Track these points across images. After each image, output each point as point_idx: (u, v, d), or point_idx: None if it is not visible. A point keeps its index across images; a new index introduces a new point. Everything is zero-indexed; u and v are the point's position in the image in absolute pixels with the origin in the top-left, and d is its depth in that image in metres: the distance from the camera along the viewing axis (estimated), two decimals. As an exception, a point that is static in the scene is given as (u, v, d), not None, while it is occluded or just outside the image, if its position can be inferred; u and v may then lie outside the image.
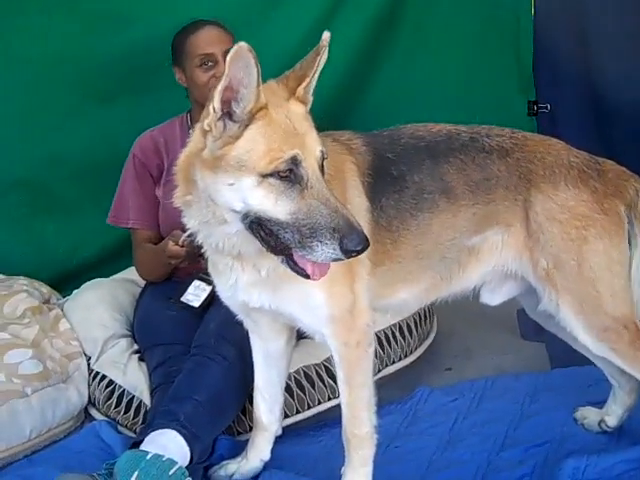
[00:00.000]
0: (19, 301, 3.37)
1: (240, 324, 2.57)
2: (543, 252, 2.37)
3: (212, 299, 2.96)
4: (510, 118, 3.65)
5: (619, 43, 3.66)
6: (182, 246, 2.85)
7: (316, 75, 2.10)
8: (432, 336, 3.52)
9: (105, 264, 3.91)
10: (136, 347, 3.22)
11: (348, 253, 1.93)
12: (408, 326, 3.31)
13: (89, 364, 3.19)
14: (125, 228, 3.31)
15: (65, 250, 3.96)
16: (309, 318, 2.30)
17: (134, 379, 3.05)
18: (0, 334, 3.07)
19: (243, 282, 2.26)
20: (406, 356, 3.30)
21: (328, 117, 3.65)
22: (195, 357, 2.79)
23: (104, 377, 3.10)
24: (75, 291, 3.60)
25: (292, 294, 2.24)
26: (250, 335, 2.57)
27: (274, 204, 1.97)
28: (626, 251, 2.39)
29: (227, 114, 2.00)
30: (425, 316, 3.45)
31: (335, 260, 1.96)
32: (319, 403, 3.00)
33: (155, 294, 3.26)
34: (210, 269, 2.40)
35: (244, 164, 1.97)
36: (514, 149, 2.41)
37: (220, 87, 1.97)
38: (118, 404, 3.01)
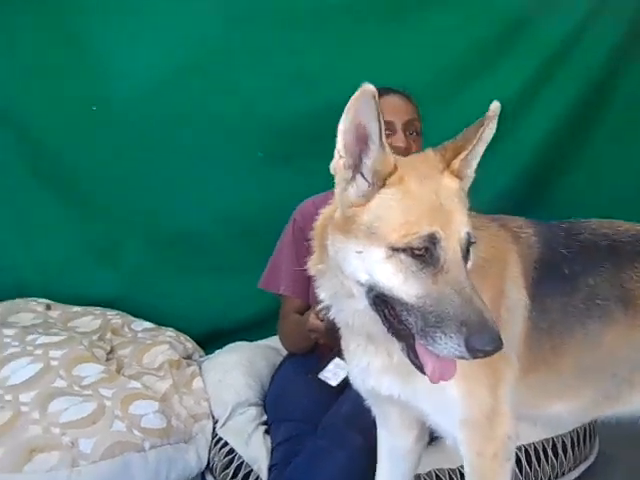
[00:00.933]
0: (160, 353, 3.31)
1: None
2: None
3: None
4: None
5: None
6: (322, 320, 2.66)
7: (479, 149, 1.88)
8: (591, 459, 3.09)
9: (255, 328, 3.80)
10: (265, 418, 3.05)
11: (474, 352, 1.67)
12: (563, 444, 2.92)
13: (214, 428, 3.03)
14: (275, 294, 3.17)
15: (219, 308, 3.89)
16: (440, 417, 2.04)
17: (256, 452, 2.87)
18: (132, 383, 2.99)
19: (374, 367, 2.04)
20: (556, 477, 2.89)
21: (511, 201, 3.65)
22: (319, 440, 2.58)
23: (226, 444, 2.94)
24: (218, 351, 3.50)
25: (424, 387, 1.96)
26: (377, 426, 2.31)
27: (402, 283, 1.74)
28: None
29: (358, 168, 1.82)
30: (585, 434, 3.03)
31: (459, 358, 1.70)
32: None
33: (294, 366, 3.10)
34: (343, 348, 2.18)
35: (375, 232, 1.77)
36: None
37: (342, 126, 1.80)
38: (235, 475, 2.84)
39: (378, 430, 2.31)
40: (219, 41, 3.71)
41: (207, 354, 3.63)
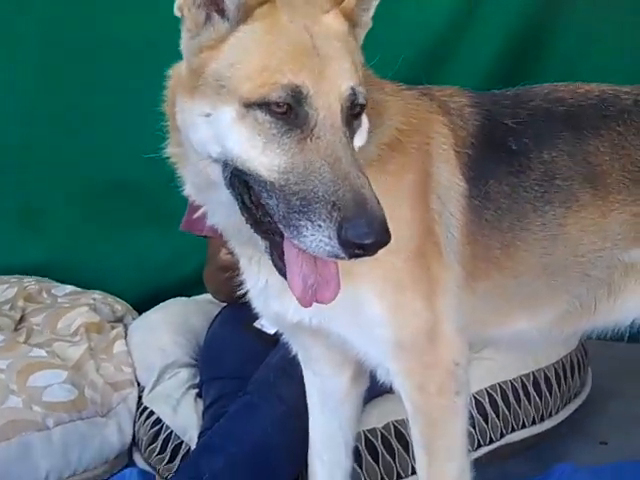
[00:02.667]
0: (76, 316, 2.87)
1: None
2: None
3: None
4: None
5: None
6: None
7: None
8: (583, 396, 2.64)
9: (199, 285, 3.35)
10: (198, 380, 2.60)
11: (349, 246, 1.23)
12: (546, 378, 2.47)
13: (140, 397, 2.58)
14: (199, 237, 2.72)
15: (158, 265, 3.51)
16: (365, 343, 1.59)
17: (185, 420, 2.45)
18: (35, 351, 2.56)
19: (273, 284, 1.58)
20: (542, 420, 2.47)
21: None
22: (247, 396, 2.15)
23: (152, 414, 2.50)
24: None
25: (339, 301, 1.47)
26: (302, 368, 1.86)
27: (259, 151, 1.31)
28: None
29: (213, 3, 1.35)
30: (573, 366, 2.58)
31: (332, 256, 1.25)
32: (413, 473, 2.21)
33: (226, 318, 2.67)
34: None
35: (225, 84, 1.32)
36: None
37: None
38: (162, 450, 2.40)
39: (304, 373, 1.86)
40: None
41: (142, 315, 3.18)
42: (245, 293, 1.96)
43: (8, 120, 3.45)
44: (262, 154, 1.30)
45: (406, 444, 2.22)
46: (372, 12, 1.47)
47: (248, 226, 1.40)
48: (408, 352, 1.55)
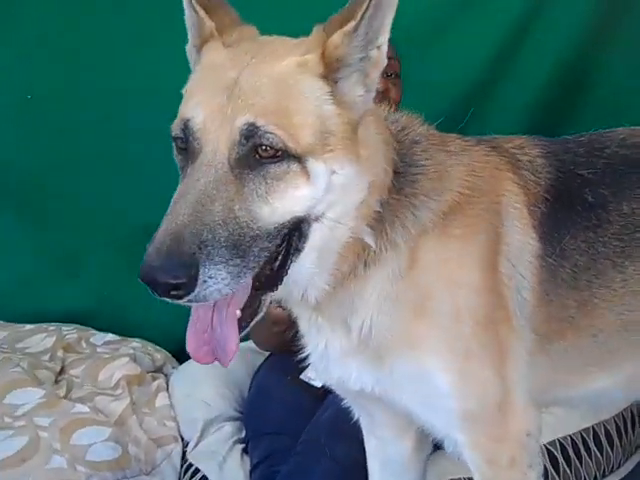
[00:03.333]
0: (117, 368, 2.81)
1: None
2: None
3: None
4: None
5: None
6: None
7: (377, 22, 1.31)
8: (645, 448, 2.54)
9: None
10: (244, 434, 2.53)
11: (144, 282, 1.23)
12: (607, 432, 2.36)
13: (184, 452, 2.52)
14: None
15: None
16: (431, 414, 1.53)
17: (232, 478, 2.38)
18: (78, 407, 2.50)
19: (334, 349, 1.52)
20: (604, 475, 2.34)
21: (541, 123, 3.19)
22: (298, 457, 2.08)
23: (197, 471, 2.42)
24: (190, 360, 2.98)
25: (404, 370, 1.45)
26: (364, 432, 1.79)
27: None
28: None
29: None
30: (634, 418, 2.48)
31: None
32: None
33: (272, 369, 2.60)
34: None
35: None
36: None
37: None
38: (209, 510, 2.32)
39: (365, 438, 1.79)
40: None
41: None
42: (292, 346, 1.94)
43: (52, 166, 3.44)
44: None
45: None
46: (383, 48, 1.35)
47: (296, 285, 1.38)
48: (476, 423, 1.48)
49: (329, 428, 2.07)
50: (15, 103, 3.40)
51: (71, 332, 3.17)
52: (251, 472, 2.32)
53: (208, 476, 2.40)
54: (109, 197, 3.45)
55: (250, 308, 1.35)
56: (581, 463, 2.30)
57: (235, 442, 2.51)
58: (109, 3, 3.32)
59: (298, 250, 1.36)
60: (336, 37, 1.31)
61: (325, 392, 2.29)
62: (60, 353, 2.95)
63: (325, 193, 1.31)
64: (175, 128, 1.32)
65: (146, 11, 3.30)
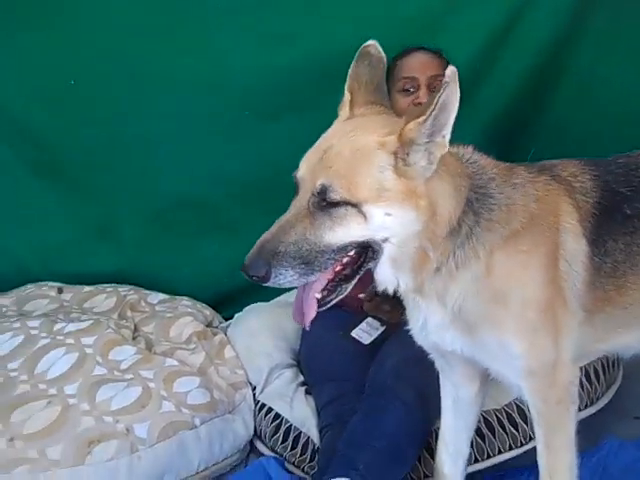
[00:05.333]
0: (184, 325, 3.31)
1: (420, 362, 2.40)
2: None
3: (385, 338, 2.87)
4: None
5: None
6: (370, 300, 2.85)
7: (441, 116, 1.83)
8: (619, 381, 3.22)
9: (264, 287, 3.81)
10: (301, 379, 3.11)
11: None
12: (595, 371, 3.03)
13: (254, 395, 3.08)
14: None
15: (227, 270, 3.86)
16: (505, 369, 2.12)
17: (301, 414, 2.93)
18: (168, 360, 3.00)
19: (432, 323, 2.10)
20: (592, 403, 3.01)
21: (501, 141, 3.62)
22: (371, 398, 2.65)
23: (270, 410, 2.99)
24: (237, 315, 3.52)
25: (488, 340, 2.06)
26: (440, 378, 2.39)
27: None
28: None
29: None
30: (612, 360, 3.15)
31: None
32: (499, 452, 2.77)
33: (324, 324, 3.08)
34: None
35: None
36: None
37: None
38: (285, 439, 2.90)
39: (441, 382, 2.38)
40: (190, 1, 3.65)
41: (225, 319, 3.64)
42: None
43: (89, 136, 3.75)
44: None
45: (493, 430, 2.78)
46: (447, 137, 1.87)
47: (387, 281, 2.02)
48: (537, 376, 2.09)
49: (395, 374, 2.63)
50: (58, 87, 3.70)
51: (129, 293, 3.61)
52: (320, 411, 2.84)
53: (281, 413, 2.93)
54: (141, 171, 3.78)
55: (330, 293, 1.99)
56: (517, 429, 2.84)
57: (297, 385, 3.05)
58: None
59: (373, 259, 1.96)
60: (411, 124, 1.85)
61: (368, 350, 2.90)
62: (129, 313, 3.42)
63: (380, 227, 1.90)
64: (295, 178, 1.94)
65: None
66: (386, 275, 2.00)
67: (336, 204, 1.86)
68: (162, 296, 3.67)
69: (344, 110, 2.03)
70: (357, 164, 1.86)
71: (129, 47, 3.65)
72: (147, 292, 3.68)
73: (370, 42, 2.05)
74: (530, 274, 2.03)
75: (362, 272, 1.99)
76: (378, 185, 1.86)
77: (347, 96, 2.02)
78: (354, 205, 1.86)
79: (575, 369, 2.15)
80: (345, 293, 2.02)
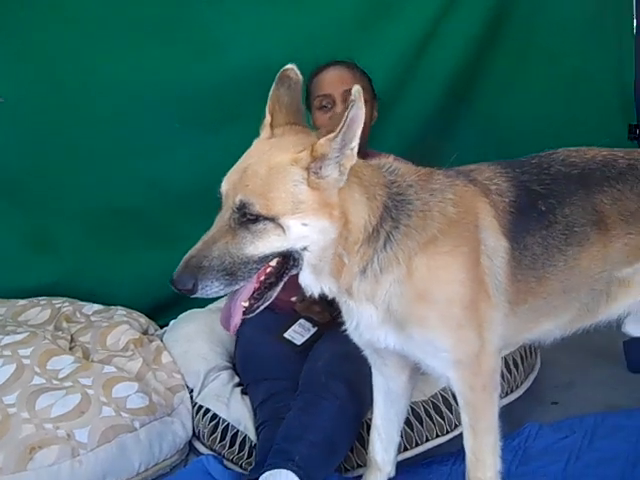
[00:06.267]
0: (121, 333, 3.38)
1: (350, 360, 2.56)
2: None
3: (317, 338, 3.01)
4: (610, 141, 3.57)
5: None
6: (302, 301, 3.03)
7: (349, 131, 1.97)
8: (537, 369, 3.43)
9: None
10: (237, 380, 3.21)
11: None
12: (514, 361, 3.22)
13: (192, 397, 3.17)
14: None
15: (161, 279, 3.93)
16: (434, 361, 2.26)
17: (238, 413, 3.03)
18: (106, 367, 3.07)
19: (365, 323, 2.24)
20: (512, 391, 3.20)
21: (422, 148, 3.81)
22: (305, 395, 2.76)
23: (208, 410, 3.08)
24: (172, 322, 3.61)
25: (416, 337, 2.21)
26: (373, 371, 2.53)
27: None
28: None
29: None
30: (530, 349, 3.36)
31: None
32: (427, 440, 2.93)
33: (256, 326, 3.22)
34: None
35: None
36: None
37: None
38: (223, 438, 2.99)
39: (374, 375, 2.53)
40: (123, 13, 3.75)
41: (160, 327, 3.72)
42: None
43: (22, 149, 3.82)
44: None
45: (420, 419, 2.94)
46: (354, 150, 2.02)
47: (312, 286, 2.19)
48: (464, 366, 2.24)
49: (327, 371, 2.75)
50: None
51: (64, 305, 3.67)
52: (256, 409, 2.95)
53: (219, 413, 3.02)
54: (76, 180, 3.88)
55: (256, 300, 2.14)
56: (442, 417, 3.01)
57: (233, 386, 3.15)
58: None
59: (295, 267, 2.11)
60: (322, 141, 2.01)
61: (301, 350, 3.03)
62: (64, 324, 3.48)
63: (298, 237, 2.04)
64: (219, 192, 2.09)
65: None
66: (309, 281, 2.17)
67: (255, 219, 2.00)
68: (97, 307, 3.73)
69: (265, 130, 2.16)
70: (272, 181, 2.00)
71: (62, 59, 3.77)
72: (82, 303, 3.75)
73: (289, 66, 2.18)
74: (452, 273, 2.18)
75: (285, 279, 2.15)
76: (293, 198, 2.01)
77: (268, 118, 2.16)
78: (271, 219, 2.01)
79: (498, 358, 2.31)
80: (271, 300, 2.19)
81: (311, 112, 3.21)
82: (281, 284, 2.15)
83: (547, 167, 2.32)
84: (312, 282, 2.17)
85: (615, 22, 3.79)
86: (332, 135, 1.98)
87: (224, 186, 2.05)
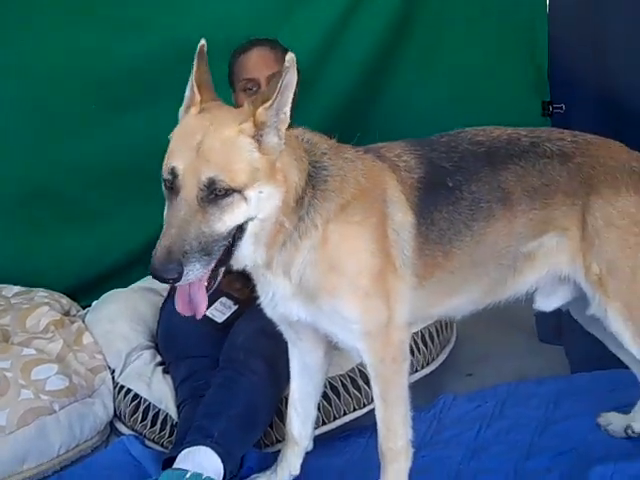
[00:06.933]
0: (41, 315, 3.37)
1: (269, 337, 2.61)
2: (597, 257, 2.37)
3: (238, 316, 3.01)
4: (525, 118, 3.66)
5: (635, 43, 3.61)
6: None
7: (283, 96, 2.05)
8: (452, 342, 3.53)
9: (124, 273, 3.91)
10: (160, 359, 3.23)
11: (152, 274, 1.99)
12: (430, 333, 3.32)
13: (113, 377, 3.19)
14: None
15: (83, 260, 3.95)
16: (344, 333, 2.32)
17: (159, 392, 3.06)
18: (25, 350, 3.06)
19: (279, 295, 2.28)
20: (428, 364, 3.30)
21: (340, 127, 3.84)
22: (224, 371, 2.80)
23: (129, 390, 3.11)
24: (94, 302, 3.61)
25: (326, 308, 2.26)
26: (289, 347, 2.58)
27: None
28: None
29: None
30: (446, 323, 3.45)
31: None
32: (345, 414, 3.01)
33: None
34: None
35: None
36: (575, 153, 2.38)
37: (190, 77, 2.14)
38: (144, 418, 3.02)
39: (290, 350, 2.58)
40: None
41: (83, 308, 3.71)
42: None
43: None
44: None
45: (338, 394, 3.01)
46: (287, 113, 2.07)
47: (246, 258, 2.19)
48: (373, 337, 2.29)
49: (246, 348, 2.79)
50: None
51: (-18, 287, 3.65)
52: (177, 388, 2.98)
53: (140, 393, 3.05)
54: None
55: (212, 279, 2.13)
56: (413, 356, 3.10)
57: (155, 365, 3.18)
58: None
59: (240, 239, 2.12)
60: (260, 110, 2.05)
61: (222, 328, 3.06)
62: (-18, 307, 3.45)
63: (256, 207, 2.08)
64: (165, 172, 2.05)
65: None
66: (247, 251, 2.17)
67: (224, 194, 2.00)
68: (17, 289, 3.71)
69: (195, 107, 2.13)
70: (230, 153, 2.02)
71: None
72: (2, 286, 3.73)
73: (203, 42, 2.17)
74: (361, 244, 2.24)
75: (234, 253, 2.15)
76: (251, 167, 2.03)
77: (197, 95, 2.13)
78: (239, 191, 2.03)
79: (407, 329, 2.37)
80: (221, 275, 2.17)
81: (234, 90, 3.23)
82: (232, 257, 2.15)
83: (455, 145, 2.39)
84: (249, 253, 2.17)
85: (529, 2, 3.87)
86: (269, 104, 2.03)
87: (180, 166, 2.00)
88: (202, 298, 2.12)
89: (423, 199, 2.31)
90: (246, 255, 2.18)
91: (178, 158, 2.03)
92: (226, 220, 2.03)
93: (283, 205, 2.14)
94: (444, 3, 3.94)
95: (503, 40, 3.92)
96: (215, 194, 2.01)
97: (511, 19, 3.91)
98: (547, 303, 2.60)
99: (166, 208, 2.06)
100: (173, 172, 2.02)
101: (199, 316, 2.15)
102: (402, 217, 2.28)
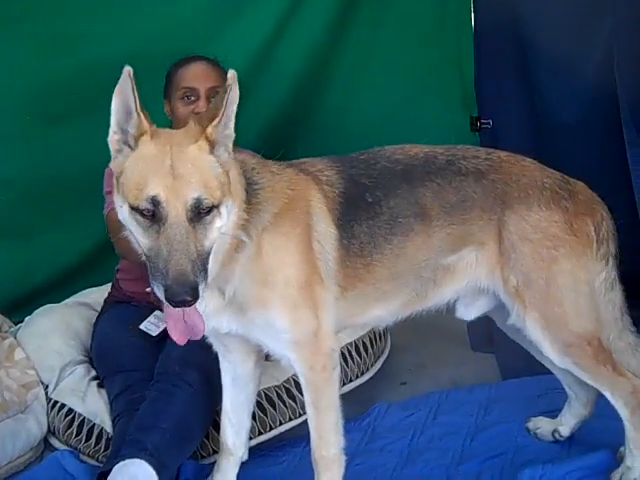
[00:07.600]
0: (-31, 331, 3.33)
1: (204, 349, 2.60)
2: (514, 270, 2.45)
3: None
4: (454, 134, 3.78)
5: (559, 59, 3.74)
6: None
7: (228, 112, 2.09)
8: (387, 352, 3.59)
9: (56, 288, 3.88)
10: (94, 373, 3.21)
11: (170, 302, 2.00)
12: (364, 344, 3.37)
13: (47, 393, 3.16)
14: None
15: (15, 275, 3.90)
16: (274, 343, 2.36)
17: (94, 407, 3.04)
18: (-46, 368, 3.02)
19: (210, 309, 2.30)
20: (362, 374, 3.35)
21: (273, 141, 3.92)
22: (159, 384, 2.80)
23: (63, 406, 3.08)
24: (27, 318, 3.57)
25: (257, 319, 2.30)
26: (220, 358, 2.60)
27: (140, 235, 2.07)
28: (593, 271, 2.49)
29: (125, 134, 2.10)
30: (380, 333, 3.51)
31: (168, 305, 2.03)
32: (280, 424, 3.04)
33: (112, 319, 3.26)
34: None
35: (123, 191, 2.08)
36: (489, 171, 2.47)
37: (113, 106, 2.07)
38: (79, 433, 3.00)
39: (221, 362, 2.60)
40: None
41: (15, 324, 3.65)
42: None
43: None
44: (142, 237, 2.05)
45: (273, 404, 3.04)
46: (232, 127, 2.12)
47: None
48: (302, 346, 2.34)
49: (181, 361, 2.79)
50: None
51: None
52: (112, 402, 2.96)
53: (74, 408, 3.03)
54: None
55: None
56: (347, 365, 3.24)
57: (90, 380, 3.15)
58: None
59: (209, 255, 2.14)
60: (210, 128, 2.09)
61: (157, 341, 3.07)
62: None
63: (226, 220, 2.11)
64: (142, 202, 2.02)
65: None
66: (211, 268, 2.15)
67: (207, 212, 2.04)
68: (-55, 305, 3.63)
69: (147, 134, 2.09)
70: (203, 171, 2.05)
71: None
72: None
73: (127, 68, 2.07)
74: (289, 255, 2.29)
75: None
76: (219, 182, 2.08)
77: (144, 121, 2.08)
78: (217, 207, 2.07)
79: (336, 338, 2.42)
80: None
81: (169, 101, 3.25)
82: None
83: (374, 163, 2.46)
84: (210, 269, 2.15)
85: (455, 20, 3.99)
86: (216, 121, 2.07)
87: (161, 193, 1.99)
88: (199, 319, 2.16)
89: (344, 213, 2.37)
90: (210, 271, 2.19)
91: (155, 186, 2.01)
92: (210, 236, 2.07)
93: (237, 219, 2.19)
94: (375, 21, 4.03)
95: (431, 57, 4.05)
96: (199, 212, 2.04)
97: (438, 36, 4.04)
98: (468, 312, 2.68)
99: (145, 237, 2.05)
100: (154, 201, 2.00)
101: (198, 337, 2.17)
102: (325, 229, 2.34)
